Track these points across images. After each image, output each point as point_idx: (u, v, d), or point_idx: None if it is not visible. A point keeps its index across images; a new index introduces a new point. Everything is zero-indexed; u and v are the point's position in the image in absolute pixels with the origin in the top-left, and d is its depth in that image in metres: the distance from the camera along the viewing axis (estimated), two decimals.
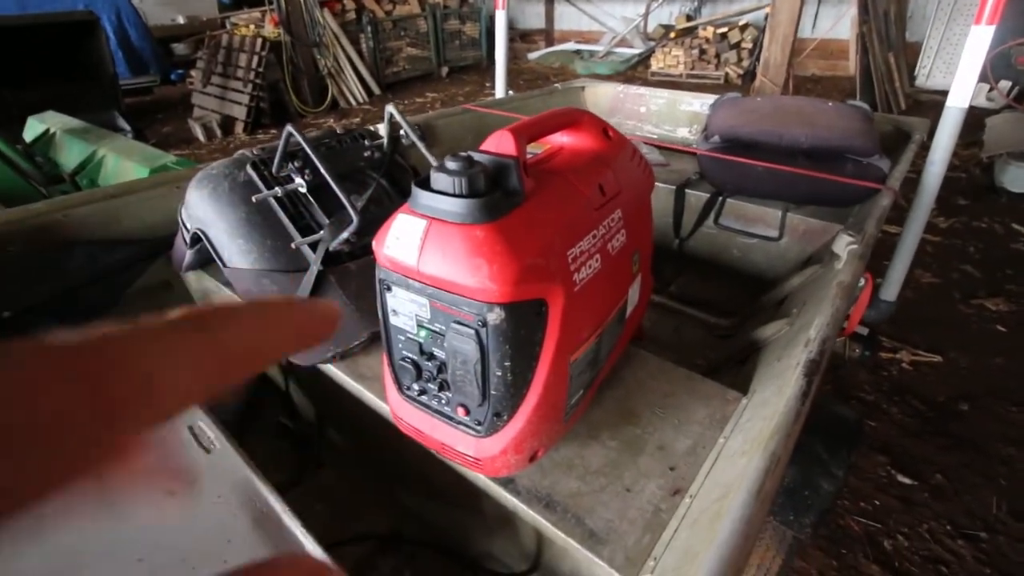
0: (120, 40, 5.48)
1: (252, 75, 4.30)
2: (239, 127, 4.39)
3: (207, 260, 0.86)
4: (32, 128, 2.46)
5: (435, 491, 0.60)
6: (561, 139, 0.60)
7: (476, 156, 0.45)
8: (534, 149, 0.63)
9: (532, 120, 0.51)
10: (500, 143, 0.47)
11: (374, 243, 0.46)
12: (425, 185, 0.44)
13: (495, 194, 0.43)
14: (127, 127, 3.63)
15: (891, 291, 1.49)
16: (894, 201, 1.03)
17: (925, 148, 1.34)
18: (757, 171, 1.14)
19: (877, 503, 1.40)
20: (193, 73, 4.81)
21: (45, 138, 2.36)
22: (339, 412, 0.84)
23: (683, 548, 0.45)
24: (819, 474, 0.89)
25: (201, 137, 4.31)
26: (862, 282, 0.97)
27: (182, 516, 0.50)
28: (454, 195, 0.42)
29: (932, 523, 1.35)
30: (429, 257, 0.42)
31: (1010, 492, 1.40)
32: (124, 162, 1.96)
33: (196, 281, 1.02)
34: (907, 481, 1.45)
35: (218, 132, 4.36)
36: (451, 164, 0.42)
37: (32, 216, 0.88)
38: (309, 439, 0.93)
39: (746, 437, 0.53)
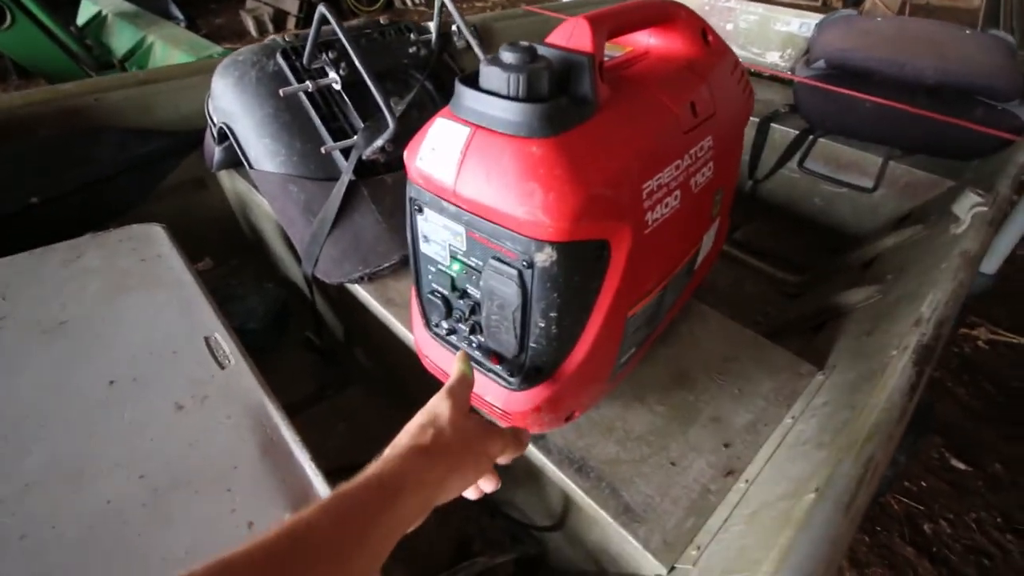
0: None
1: None
2: (291, 22, 4.22)
3: (238, 160, 0.80)
4: (86, 9, 2.41)
5: None
6: (648, 40, 0.48)
7: (541, 49, 0.35)
8: (613, 51, 0.52)
9: (615, 9, 0.40)
10: (573, 34, 0.36)
11: (406, 153, 0.38)
12: (472, 83, 0.34)
13: (560, 100, 0.33)
14: (179, 15, 3.52)
15: (992, 263, 1.30)
16: None
17: None
18: (865, 107, 0.96)
19: (924, 484, 1.31)
20: None
21: (97, 20, 2.30)
22: (366, 333, 0.80)
23: (737, 545, 0.39)
24: None
25: (252, 31, 4.17)
26: None
27: (190, 434, 0.47)
28: (508, 97, 0.32)
29: (982, 513, 1.26)
30: (469, 176, 0.34)
31: None
32: (172, 51, 1.89)
33: (229, 181, 0.97)
34: (961, 466, 1.35)
35: (270, 26, 4.20)
36: (507, 56, 0.32)
37: (62, 98, 0.83)
38: (336, 355, 0.90)
39: (823, 426, 0.45)
